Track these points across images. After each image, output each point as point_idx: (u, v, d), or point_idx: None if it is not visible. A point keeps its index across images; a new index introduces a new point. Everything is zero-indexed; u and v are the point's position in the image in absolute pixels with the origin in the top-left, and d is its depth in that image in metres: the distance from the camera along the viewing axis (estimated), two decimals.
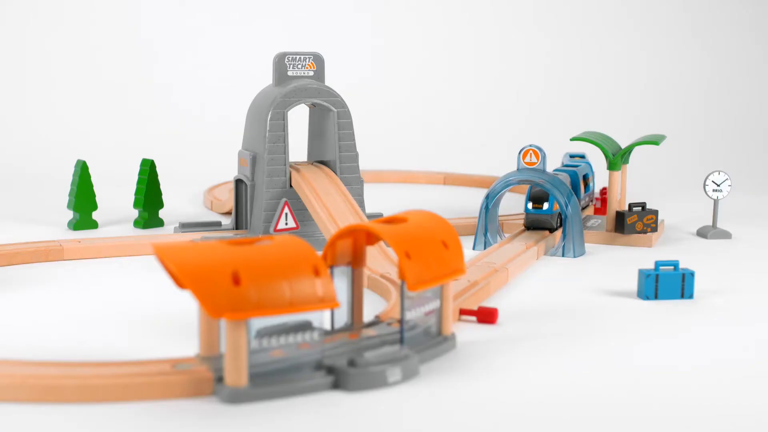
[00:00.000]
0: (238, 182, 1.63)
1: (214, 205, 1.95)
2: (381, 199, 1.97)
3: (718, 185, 1.71)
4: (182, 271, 0.85)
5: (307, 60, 1.61)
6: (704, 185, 1.72)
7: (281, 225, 1.55)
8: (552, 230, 1.60)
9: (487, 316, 1.15)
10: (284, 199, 1.55)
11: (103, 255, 1.49)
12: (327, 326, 1.02)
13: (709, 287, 1.35)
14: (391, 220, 1.04)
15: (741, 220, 1.89)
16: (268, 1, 3.01)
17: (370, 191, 1.93)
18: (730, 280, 1.40)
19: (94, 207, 1.71)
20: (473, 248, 1.57)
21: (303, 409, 0.86)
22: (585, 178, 1.82)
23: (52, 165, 2.40)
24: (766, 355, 1.07)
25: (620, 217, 1.65)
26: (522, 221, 1.69)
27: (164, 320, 1.14)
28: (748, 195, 2.23)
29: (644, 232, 1.65)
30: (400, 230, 0.99)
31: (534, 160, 1.58)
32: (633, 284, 1.35)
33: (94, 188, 1.71)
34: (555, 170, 1.76)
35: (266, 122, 1.55)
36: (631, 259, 1.53)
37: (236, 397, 0.87)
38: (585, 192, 1.82)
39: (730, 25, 3.29)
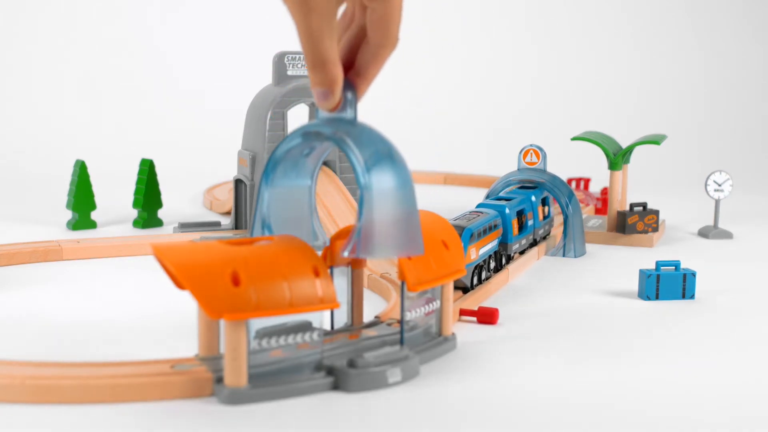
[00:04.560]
0: (238, 182, 1.63)
1: (213, 205, 1.94)
2: None
3: (720, 185, 1.71)
4: (181, 272, 0.84)
5: None
6: (705, 185, 1.71)
7: None
8: (466, 291, 1.23)
9: (487, 316, 1.15)
10: None
11: (102, 255, 1.48)
12: (327, 326, 1.02)
13: (711, 287, 1.34)
14: None
15: (742, 220, 1.89)
16: (268, 0, 3.00)
17: None
18: (732, 281, 1.40)
19: (93, 207, 1.70)
20: None
21: (303, 410, 0.86)
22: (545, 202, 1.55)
23: (51, 165, 2.40)
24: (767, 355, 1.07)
25: (621, 217, 1.64)
26: None
27: (164, 320, 1.13)
28: (749, 195, 2.23)
29: (645, 232, 1.64)
30: None
31: (534, 159, 1.57)
32: (634, 284, 1.34)
33: (93, 188, 1.71)
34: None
35: (266, 122, 1.55)
36: (632, 259, 1.53)
37: (236, 398, 0.86)
38: (545, 219, 1.55)
39: (731, 25, 3.28)
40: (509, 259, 1.39)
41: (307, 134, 0.91)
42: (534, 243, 1.50)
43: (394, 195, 0.89)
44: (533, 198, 1.47)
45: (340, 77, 0.87)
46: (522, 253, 1.45)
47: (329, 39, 0.84)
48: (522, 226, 1.42)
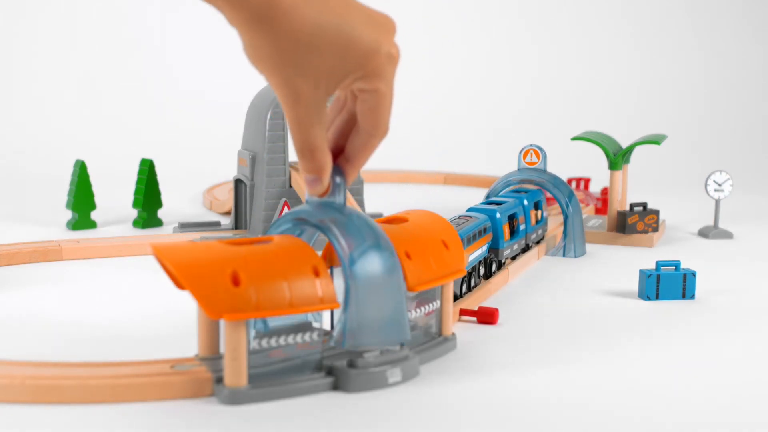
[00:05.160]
0: (238, 182, 1.63)
1: (213, 205, 1.94)
2: (381, 199, 1.96)
3: (720, 185, 1.71)
4: (181, 272, 0.84)
5: None
6: (705, 185, 1.71)
7: None
8: (455, 299, 1.19)
9: (487, 316, 1.14)
10: (284, 199, 1.55)
11: (102, 255, 1.48)
12: (327, 326, 1.02)
13: (711, 287, 1.34)
14: (391, 220, 1.03)
15: (742, 220, 1.89)
16: None
17: (370, 191, 1.92)
18: (732, 281, 1.40)
19: (93, 207, 1.70)
20: None
21: (303, 410, 0.86)
22: (538, 205, 1.51)
23: (51, 165, 2.40)
24: None
25: (621, 216, 1.64)
26: None
27: (164, 320, 1.13)
28: (749, 195, 2.23)
29: (645, 232, 1.64)
30: (400, 230, 0.99)
31: (534, 159, 1.57)
32: (634, 284, 1.34)
33: (93, 188, 1.71)
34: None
35: (266, 122, 1.55)
36: (632, 259, 1.52)
37: (236, 398, 0.86)
38: (539, 223, 1.51)
39: (731, 25, 3.28)
40: (500, 264, 1.35)
41: (296, 220, 0.93)
42: (526, 248, 1.46)
43: (380, 285, 0.91)
44: (525, 202, 1.44)
45: (328, 165, 0.88)
46: (514, 258, 1.41)
47: (318, 127, 0.85)
48: (513, 231, 1.39)
